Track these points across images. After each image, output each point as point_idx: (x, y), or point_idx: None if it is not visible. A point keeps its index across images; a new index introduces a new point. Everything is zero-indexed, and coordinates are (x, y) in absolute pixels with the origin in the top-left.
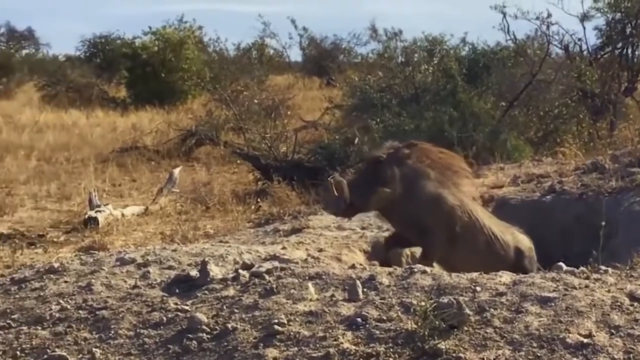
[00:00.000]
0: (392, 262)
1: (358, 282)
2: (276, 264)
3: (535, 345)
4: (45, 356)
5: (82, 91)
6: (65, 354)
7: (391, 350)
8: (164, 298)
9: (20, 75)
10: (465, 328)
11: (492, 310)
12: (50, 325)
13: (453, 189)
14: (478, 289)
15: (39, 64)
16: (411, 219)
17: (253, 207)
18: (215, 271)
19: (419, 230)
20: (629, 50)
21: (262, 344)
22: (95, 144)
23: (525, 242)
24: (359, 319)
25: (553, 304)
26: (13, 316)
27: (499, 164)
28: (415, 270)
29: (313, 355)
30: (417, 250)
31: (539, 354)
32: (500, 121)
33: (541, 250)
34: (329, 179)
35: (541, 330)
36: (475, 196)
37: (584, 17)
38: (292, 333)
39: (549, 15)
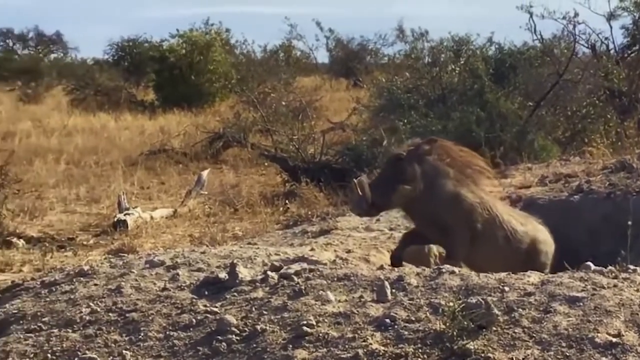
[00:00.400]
0: (407, 259)
1: (386, 283)
2: (304, 265)
3: (564, 345)
4: (76, 359)
5: (111, 94)
6: (95, 356)
7: (420, 350)
8: (193, 300)
9: (48, 80)
10: (494, 328)
11: (520, 310)
12: (81, 328)
13: (472, 187)
14: (506, 289)
15: (68, 68)
16: (432, 217)
17: (281, 208)
18: (244, 273)
19: (439, 229)
20: None
21: (291, 346)
22: (123, 147)
23: (544, 234)
24: (387, 320)
25: (582, 304)
26: (44, 319)
27: (527, 164)
28: (444, 270)
29: (342, 356)
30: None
31: (567, 354)
32: (527, 121)
33: (569, 250)
34: (353, 180)
35: (570, 330)
36: (495, 193)
37: (611, 16)
38: (321, 334)
39: (576, 15)
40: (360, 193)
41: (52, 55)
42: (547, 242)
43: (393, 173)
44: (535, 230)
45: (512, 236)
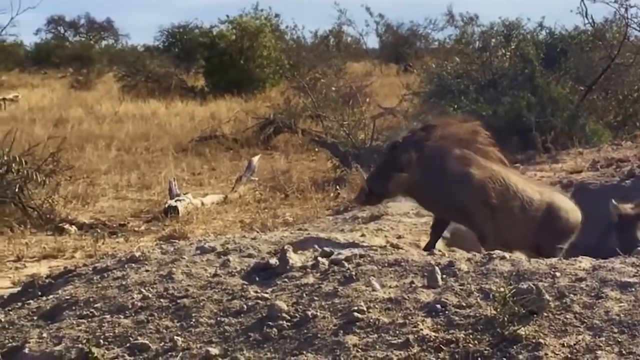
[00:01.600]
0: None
1: (437, 269)
2: (355, 251)
3: (615, 330)
4: (128, 344)
5: (161, 81)
6: (147, 342)
7: (471, 336)
8: (244, 286)
9: (100, 66)
10: (545, 314)
11: (571, 295)
12: (132, 314)
13: (480, 162)
14: (557, 274)
15: (118, 54)
16: (446, 202)
17: (332, 194)
18: (295, 259)
19: (458, 212)
20: None
21: (341, 331)
22: (174, 134)
23: (563, 202)
24: (438, 306)
25: (633, 289)
26: (96, 305)
27: (578, 148)
28: (494, 256)
29: (393, 342)
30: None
31: (619, 339)
32: (578, 106)
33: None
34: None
35: (621, 315)
36: (503, 161)
37: None
38: (371, 320)
39: None
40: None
41: (103, 42)
42: (567, 209)
43: (389, 161)
44: (553, 198)
45: (528, 205)
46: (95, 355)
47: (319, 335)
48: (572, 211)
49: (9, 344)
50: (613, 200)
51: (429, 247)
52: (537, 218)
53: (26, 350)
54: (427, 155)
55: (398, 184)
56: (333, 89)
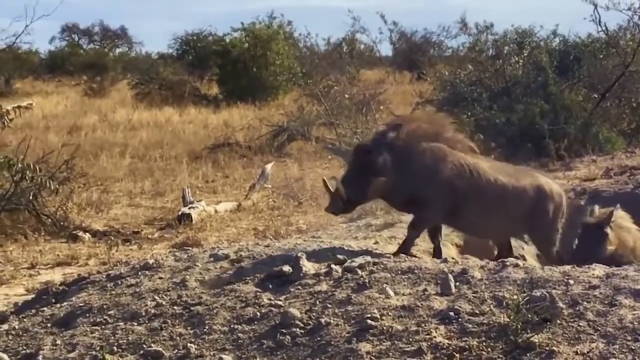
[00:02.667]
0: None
1: (450, 276)
2: (368, 258)
3: (629, 338)
4: (142, 351)
5: (175, 88)
6: (161, 349)
7: (484, 344)
8: (258, 293)
9: (113, 74)
10: (559, 321)
11: (585, 303)
12: (146, 321)
13: (451, 155)
14: (571, 282)
15: (132, 62)
16: (413, 195)
17: None
18: (308, 266)
19: (418, 203)
20: None
21: (355, 339)
22: (188, 141)
23: (551, 185)
24: (451, 313)
25: None
26: (109, 312)
27: (591, 156)
28: (508, 264)
29: (406, 349)
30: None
31: (633, 347)
32: (592, 113)
33: None
34: (323, 179)
35: (635, 323)
36: (474, 149)
37: None
38: (385, 327)
39: None
40: (333, 192)
41: (117, 50)
42: (554, 190)
43: (364, 166)
44: (539, 181)
45: (505, 191)
46: None
47: (332, 342)
48: (558, 192)
49: (23, 351)
50: (596, 207)
51: (438, 254)
52: (520, 204)
53: (40, 358)
54: (399, 154)
55: (377, 189)
56: (346, 96)
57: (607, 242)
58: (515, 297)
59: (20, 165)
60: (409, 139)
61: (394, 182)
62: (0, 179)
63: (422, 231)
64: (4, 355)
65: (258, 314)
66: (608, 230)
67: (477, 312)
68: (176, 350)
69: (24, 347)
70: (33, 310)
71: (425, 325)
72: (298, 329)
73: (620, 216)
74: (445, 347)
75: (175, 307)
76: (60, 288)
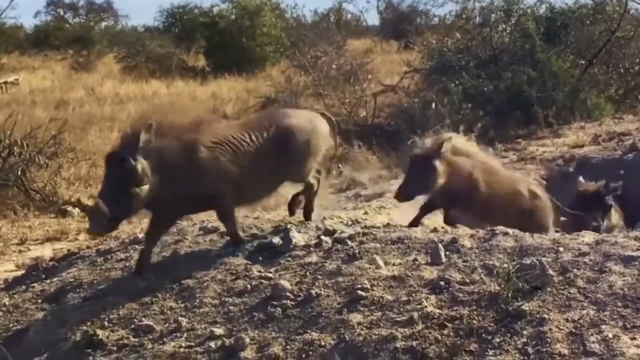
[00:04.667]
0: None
1: (440, 246)
2: (358, 229)
3: (619, 304)
4: (132, 326)
5: (162, 61)
6: (152, 323)
7: (475, 312)
8: (248, 266)
9: (100, 48)
10: (549, 289)
11: (575, 270)
12: (137, 296)
13: (205, 142)
14: (561, 249)
15: (118, 35)
16: (195, 193)
17: (334, 172)
18: (298, 238)
19: (204, 199)
20: None
21: (346, 310)
22: None
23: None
24: (442, 283)
25: (637, 263)
26: (100, 287)
27: (580, 122)
28: (497, 232)
29: (397, 319)
30: None
31: (623, 314)
32: (579, 80)
33: (623, 208)
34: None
35: (625, 289)
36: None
37: None
38: (375, 298)
39: None
40: (93, 210)
41: (103, 24)
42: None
43: (121, 177)
44: (283, 124)
45: (247, 162)
46: (100, 337)
47: (323, 314)
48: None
49: (14, 327)
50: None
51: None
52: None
53: (31, 333)
54: (159, 156)
55: (140, 199)
56: (334, 66)
57: (435, 175)
58: (505, 265)
59: (7, 141)
60: (163, 135)
61: (160, 186)
62: None
63: (235, 219)
64: None
65: (248, 286)
66: (437, 162)
67: (468, 281)
68: (167, 324)
69: (15, 323)
70: (23, 287)
71: (416, 295)
72: (289, 301)
73: (461, 142)
74: (436, 316)
75: (165, 281)
76: (50, 264)
